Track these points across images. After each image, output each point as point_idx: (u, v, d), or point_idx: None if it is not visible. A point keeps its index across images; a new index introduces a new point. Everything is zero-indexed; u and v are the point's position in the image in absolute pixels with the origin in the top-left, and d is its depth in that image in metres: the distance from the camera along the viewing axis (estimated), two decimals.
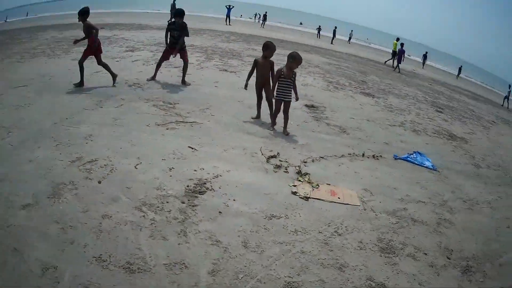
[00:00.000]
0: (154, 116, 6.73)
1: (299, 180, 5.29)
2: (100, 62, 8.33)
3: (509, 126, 17.68)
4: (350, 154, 6.87)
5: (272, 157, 5.85)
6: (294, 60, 6.89)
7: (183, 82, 9.72)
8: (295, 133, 7.29)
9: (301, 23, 79.17)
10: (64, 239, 3.54)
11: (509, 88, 31.43)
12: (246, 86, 7.49)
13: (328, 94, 11.53)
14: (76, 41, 8.30)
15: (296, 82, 7.27)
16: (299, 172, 5.52)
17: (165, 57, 9.70)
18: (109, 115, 6.54)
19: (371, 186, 5.70)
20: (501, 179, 8.24)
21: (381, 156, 7.21)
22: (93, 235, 3.65)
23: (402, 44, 28.01)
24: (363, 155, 6.98)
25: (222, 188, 4.68)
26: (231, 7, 39.60)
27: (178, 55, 9.47)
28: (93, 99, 7.50)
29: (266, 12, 49.01)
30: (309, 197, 4.88)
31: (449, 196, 6.26)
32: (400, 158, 7.39)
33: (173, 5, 28.24)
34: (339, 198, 5.04)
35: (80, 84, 8.16)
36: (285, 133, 7.19)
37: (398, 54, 27.51)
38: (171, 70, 11.02)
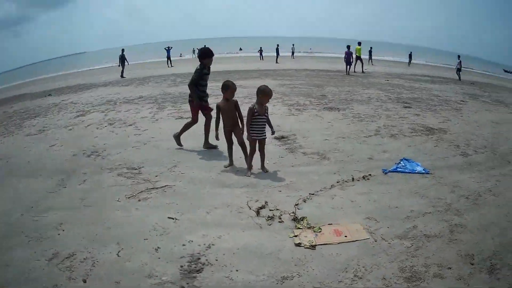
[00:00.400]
0: (122, 188, 6.59)
1: (298, 228, 5.24)
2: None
3: (478, 101, 18.58)
4: (339, 181, 6.95)
5: (261, 208, 5.80)
6: (264, 94, 7.01)
7: (208, 145, 8.96)
8: (275, 173, 7.35)
9: (240, 49, 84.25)
10: None
11: (458, 59, 32.94)
12: (217, 136, 7.55)
13: (293, 119, 11.80)
14: None
15: None
16: (295, 219, 5.48)
17: (196, 118, 8.93)
18: (75, 195, 6.37)
19: (373, 212, 5.78)
20: (492, 161, 8.65)
21: (370, 174, 7.37)
22: None
23: (348, 47, 29.32)
24: (352, 179, 7.14)
25: (219, 259, 4.53)
26: (170, 48, 41.78)
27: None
28: (54, 178, 7.31)
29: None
30: (315, 245, 4.84)
31: (451, 197, 6.48)
32: (389, 171, 7.61)
33: (122, 56, 31.37)
34: (346, 236, 5.05)
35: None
36: (264, 170, 7.30)
37: (347, 56, 28.69)
38: (123, 128, 11.07)
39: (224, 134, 7.52)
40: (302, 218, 5.49)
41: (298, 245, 4.84)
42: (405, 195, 6.53)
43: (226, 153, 7.71)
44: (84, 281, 4.20)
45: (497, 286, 4.16)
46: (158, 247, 4.76)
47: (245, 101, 13.35)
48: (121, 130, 10.48)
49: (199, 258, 4.53)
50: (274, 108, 12.97)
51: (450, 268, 4.45)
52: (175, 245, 4.83)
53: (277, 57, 45.04)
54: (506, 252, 4.81)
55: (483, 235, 5.25)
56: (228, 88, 7.34)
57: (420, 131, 10.86)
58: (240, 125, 7.46)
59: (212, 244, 4.84)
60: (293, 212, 5.69)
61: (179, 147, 8.89)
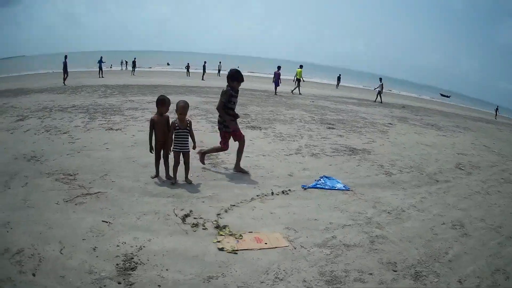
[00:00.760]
0: (60, 192, 7.13)
1: (221, 235, 5.84)
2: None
3: (407, 124, 20.10)
4: (259, 195, 7.58)
5: (186, 216, 6.41)
6: (178, 109, 7.78)
7: (239, 169, 9.07)
8: (198, 185, 7.96)
9: (168, 64, 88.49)
10: None
11: (380, 81, 35.19)
12: (152, 149, 8.07)
13: (216, 135, 12.05)
14: None
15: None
16: (217, 227, 6.11)
17: (226, 146, 8.98)
18: (18, 197, 6.88)
19: (292, 223, 6.40)
20: (419, 180, 9.67)
21: (289, 190, 8.01)
22: None
23: (278, 67, 30.74)
24: (272, 193, 7.73)
25: (151, 259, 5.09)
26: (102, 59, 43.88)
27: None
28: None
29: (135, 59, 53.51)
30: (237, 250, 5.41)
31: (372, 212, 7.23)
32: (309, 187, 8.24)
33: (65, 63, 32.32)
34: (266, 243, 5.62)
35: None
36: (188, 182, 7.96)
37: (275, 77, 30.04)
38: (59, 135, 11.47)
39: (156, 148, 8.07)
40: (224, 226, 6.11)
41: (221, 249, 5.43)
42: (325, 209, 7.21)
43: (162, 165, 8.17)
44: (34, 275, 4.64)
45: None
46: (95, 247, 5.28)
47: (170, 116, 13.67)
48: (56, 137, 11.18)
49: (132, 258, 5.08)
50: (198, 125, 13.50)
51: (371, 274, 5.06)
52: (110, 245, 5.36)
53: (203, 74, 46.66)
54: (433, 261, 5.59)
55: (407, 245, 5.99)
56: (164, 104, 7.89)
57: (342, 151, 11.72)
58: (170, 140, 8.04)
59: (143, 246, 5.40)
60: (215, 221, 6.32)
61: (203, 165, 9.15)
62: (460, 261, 5.70)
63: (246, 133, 12.94)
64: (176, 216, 6.42)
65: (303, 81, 35.11)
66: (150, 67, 71.83)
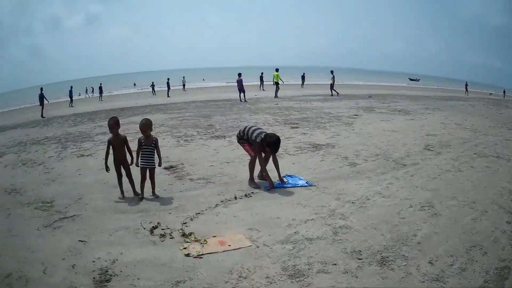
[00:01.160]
0: (39, 219, 7.64)
1: (187, 242, 6.22)
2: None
3: (374, 113, 20.59)
4: (223, 201, 7.91)
5: (154, 228, 6.83)
6: (140, 127, 8.43)
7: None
8: (165, 198, 8.35)
9: (134, 84, 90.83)
10: None
11: (332, 74, 36.06)
12: (107, 168, 8.52)
13: (181, 150, 12.81)
14: None
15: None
16: (183, 234, 6.48)
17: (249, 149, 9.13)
18: (4, 227, 7.40)
19: (255, 224, 6.68)
20: (384, 167, 9.96)
21: (253, 192, 8.33)
22: None
23: (239, 74, 31.23)
24: (235, 197, 8.04)
25: (123, 271, 5.46)
26: (72, 89, 45.23)
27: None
28: None
29: (101, 84, 54.90)
30: (202, 254, 5.77)
31: (335, 204, 7.46)
32: (271, 188, 8.49)
33: (41, 95, 33.06)
34: (229, 245, 5.94)
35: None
36: (155, 196, 8.39)
37: (239, 84, 30.43)
38: (35, 167, 12.16)
39: (115, 167, 8.53)
40: (190, 234, 6.49)
41: (187, 255, 5.80)
42: (287, 206, 7.48)
43: (132, 185, 8.63)
44: None
45: (391, 275, 4.97)
46: (74, 264, 5.72)
47: (137, 135, 14.11)
48: (33, 169, 11.82)
49: (107, 271, 5.48)
50: (163, 141, 13.79)
51: (335, 264, 5.25)
52: (87, 262, 5.78)
53: (168, 90, 46.93)
54: (400, 245, 5.76)
55: (372, 233, 6.20)
56: (113, 126, 8.49)
57: (306, 149, 12.03)
58: (129, 159, 8.54)
59: (116, 260, 5.81)
60: (181, 229, 6.71)
61: (254, 187, 8.95)
62: (430, 242, 5.82)
63: (211, 143, 13.34)
64: (145, 229, 6.81)
65: (283, 82, 35.80)
66: (117, 91, 71.96)
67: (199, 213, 7.37)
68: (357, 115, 19.88)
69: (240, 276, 5.08)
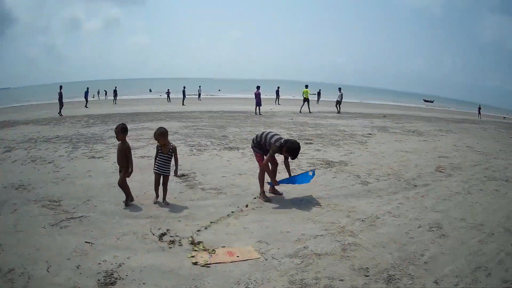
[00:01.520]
0: (46, 217, 7.68)
1: (195, 250, 6.25)
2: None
3: (388, 133, 20.53)
4: (234, 212, 7.98)
5: (163, 234, 6.86)
6: (155, 137, 8.45)
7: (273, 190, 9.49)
8: (175, 206, 8.38)
9: (150, 90, 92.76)
10: None
11: (340, 91, 37.22)
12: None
13: (194, 159, 12.84)
14: None
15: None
16: (192, 243, 6.51)
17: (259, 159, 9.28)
18: (9, 222, 7.46)
19: (265, 237, 6.73)
20: (396, 186, 9.98)
21: (263, 204, 8.45)
22: None
23: (258, 87, 31.48)
24: (246, 206, 8.29)
25: (129, 275, 5.50)
26: (88, 89, 46.19)
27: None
28: None
29: (116, 87, 55.35)
30: (210, 264, 5.80)
31: (345, 221, 7.51)
32: (280, 182, 8.85)
33: (60, 93, 32.47)
34: (238, 256, 5.98)
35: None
36: (165, 203, 8.42)
37: (257, 98, 30.65)
38: (44, 165, 12.19)
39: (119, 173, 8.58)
40: (199, 242, 6.52)
41: (195, 263, 5.84)
42: (298, 221, 7.52)
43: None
44: None
45: None
46: (79, 265, 5.76)
47: (149, 141, 14.88)
48: (42, 167, 11.83)
49: (112, 274, 5.52)
50: (177, 149, 13.68)
51: (342, 280, 5.31)
52: (92, 263, 5.82)
53: (183, 99, 47.17)
54: (407, 264, 5.83)
55: (380, 251, 6.25)
56: (118, 133, 8.38)
57: (319, 165, 12.06)
58: (129, 168, 8.43)
59: (123, 263, 5.84)
60: (191, 237, 6.73)
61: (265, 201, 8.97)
62: (436, 262, 5.90)
63: (224, 154, 13.39)
64: (153, 235, 6.84)
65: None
66: (133, 95, 73.00)
67: (213, 222, 7.42)
68: (371, 134, 19.94)
69: (247, 287, 5.14)
